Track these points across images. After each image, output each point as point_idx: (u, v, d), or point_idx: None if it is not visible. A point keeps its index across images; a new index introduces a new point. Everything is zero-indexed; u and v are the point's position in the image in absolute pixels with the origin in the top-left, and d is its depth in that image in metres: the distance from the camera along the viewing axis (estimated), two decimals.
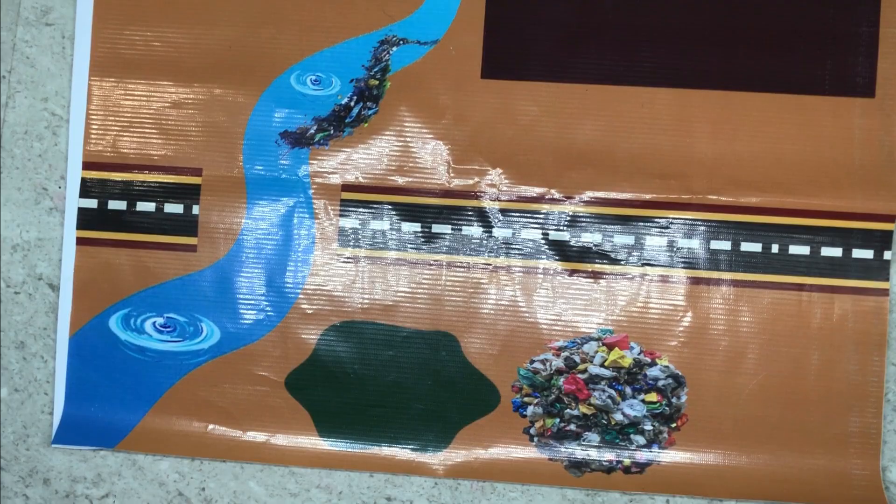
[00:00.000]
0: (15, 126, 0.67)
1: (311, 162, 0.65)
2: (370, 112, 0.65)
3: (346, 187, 0.65)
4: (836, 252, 0.63)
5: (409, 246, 0.65)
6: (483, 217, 0.65)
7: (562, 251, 0.64)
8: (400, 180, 0.65)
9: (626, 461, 0.64)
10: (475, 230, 0.65)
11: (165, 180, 0.66)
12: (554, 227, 0.65)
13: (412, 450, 0.65)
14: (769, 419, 0.63)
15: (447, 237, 0.65)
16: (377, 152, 0.65)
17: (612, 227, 0.64)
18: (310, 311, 0.65)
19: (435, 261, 0.65)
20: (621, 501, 0.65)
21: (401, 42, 0.65)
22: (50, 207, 0.67)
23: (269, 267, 0.65)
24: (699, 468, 0.64)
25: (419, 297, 0.65)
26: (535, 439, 0.64)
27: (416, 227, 0.65)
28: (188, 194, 0.65)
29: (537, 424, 0.64)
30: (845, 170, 0.63)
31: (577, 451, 0.64)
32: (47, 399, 0.66)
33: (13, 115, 0.67)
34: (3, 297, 0.67)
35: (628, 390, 0.64)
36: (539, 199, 0.65)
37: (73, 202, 0.66)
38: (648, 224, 0.64)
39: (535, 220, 0.65)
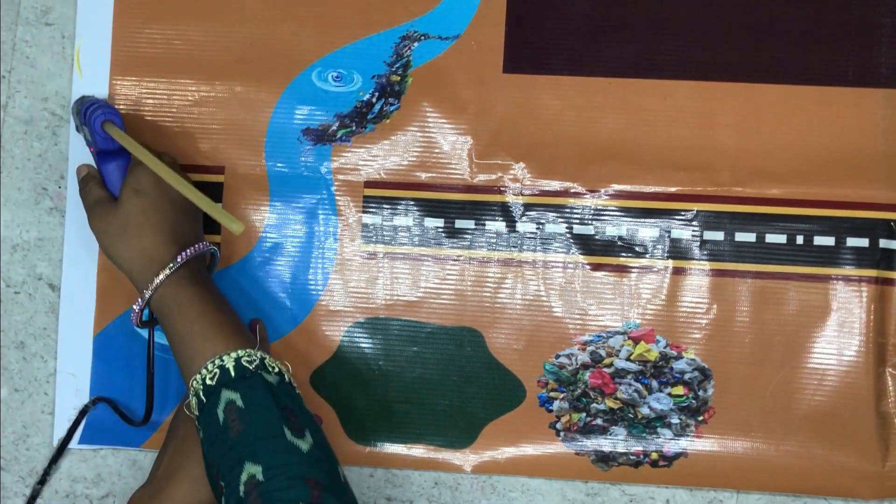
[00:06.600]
0: (15, 126, 0.67)
1: (334, 159, 0.65)
2: (392, 108, 0.65)
3: (369, 184, 0.65)
4: (862, 242, 0.63)
5: (433, 241, 0.65)
6: (507, 212, 0.64)
7: (586, 245, 0.64)
8: (423, 176, 0.65)
9: (654, 454, 0.64)
10: (499, 225, 0.65)
11: None
12: (578, 221, 0.64)
13: (438, 446, 0.65)
14: (797, 411, 0.63)
15: (470, 232, 0.65)
16: (399, 148, 0.65)
17: (637, 220, 0.64)
18: (333, 308, 0.65)
19: (458, 256, 0.65)
20: (621, 501, 0.64)
21: (422, 37, 0.65)
22: (50, 207, 0.66)
23: (292, 264, 0.65)
24: (727, 460, 0.63)
25: (443, 292, 0.65)
26: (562, 434, 0.64)
27: (440, 222, 0.65)
28: (210, 192, 0.65)
29: (563, 419, 0.64)
30: (869, 160, 0.63)
31: (605, 445, 0.64)
32: (47, 399, 0.66)
33: (13, 115, 0.67)
34: (3, 297, 0.66)
35: (655, 384, 0.64)
36: (563, 194, 0.64)
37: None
38: (673, 217, 0.64)
39: (559, 215, 0.64)
